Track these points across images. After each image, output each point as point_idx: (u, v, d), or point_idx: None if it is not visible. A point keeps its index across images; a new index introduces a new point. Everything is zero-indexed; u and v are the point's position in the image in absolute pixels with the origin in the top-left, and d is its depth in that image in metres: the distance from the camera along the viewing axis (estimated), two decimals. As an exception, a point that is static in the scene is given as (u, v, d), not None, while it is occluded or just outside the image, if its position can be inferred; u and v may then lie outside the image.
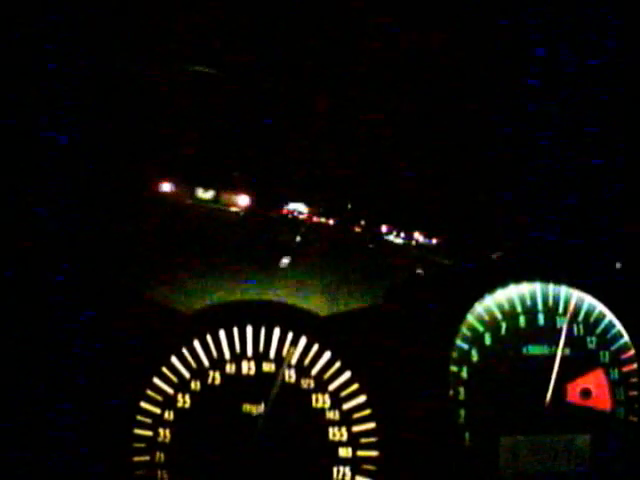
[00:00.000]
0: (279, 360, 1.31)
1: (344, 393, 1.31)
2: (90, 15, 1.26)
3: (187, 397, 1.30)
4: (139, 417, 1.29)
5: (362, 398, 1.31)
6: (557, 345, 1.37)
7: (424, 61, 1.35)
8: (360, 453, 1.30)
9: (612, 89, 1.39)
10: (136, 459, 1.29)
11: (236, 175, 1.40)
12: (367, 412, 1.30)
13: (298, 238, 1.38)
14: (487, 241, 1.45)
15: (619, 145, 1.46)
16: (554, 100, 1.41)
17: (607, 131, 1.44)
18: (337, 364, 1.31)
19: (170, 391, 1.31)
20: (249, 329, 1.32)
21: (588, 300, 1.41)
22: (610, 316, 1.40)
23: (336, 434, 1.30)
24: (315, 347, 1.32)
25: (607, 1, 1.30)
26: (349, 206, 1.41)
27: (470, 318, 1.38)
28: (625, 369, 1.39)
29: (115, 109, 1.36)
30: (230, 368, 1.31)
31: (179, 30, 1.30)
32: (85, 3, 1.26)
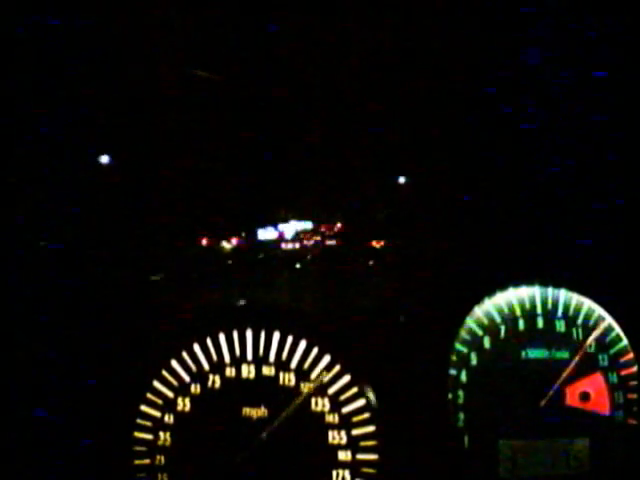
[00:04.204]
0: (279, 364, 1.31)
1: (343, 397, 1.31)
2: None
3: (187, 400, 1.31)
4: (139, 420, 1.30)
5: (361, 401, 1.31)
6: (556, 349, 1.38)
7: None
8: (359, 456, 1.30)
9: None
10: (136, 462, 1.29)
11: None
12: (366, 415, 1.30)
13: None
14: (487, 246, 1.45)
15: (619, 148, 1.47)
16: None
17: (607, 135, 1.45)
18: (336, 368, 1.31)
19: (170, 394, 1.31)
20: (249, 333, 1.33)
21: (587, 303, 1.41)
22: (609, 319, 1.40)
23: (335, 437, 1.30)
24: (315, 351, 1.32)
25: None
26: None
27: (469, 322, 1.38)
28: (624, 372, 1.39)
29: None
30: (230, 372, 1.32)
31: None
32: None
